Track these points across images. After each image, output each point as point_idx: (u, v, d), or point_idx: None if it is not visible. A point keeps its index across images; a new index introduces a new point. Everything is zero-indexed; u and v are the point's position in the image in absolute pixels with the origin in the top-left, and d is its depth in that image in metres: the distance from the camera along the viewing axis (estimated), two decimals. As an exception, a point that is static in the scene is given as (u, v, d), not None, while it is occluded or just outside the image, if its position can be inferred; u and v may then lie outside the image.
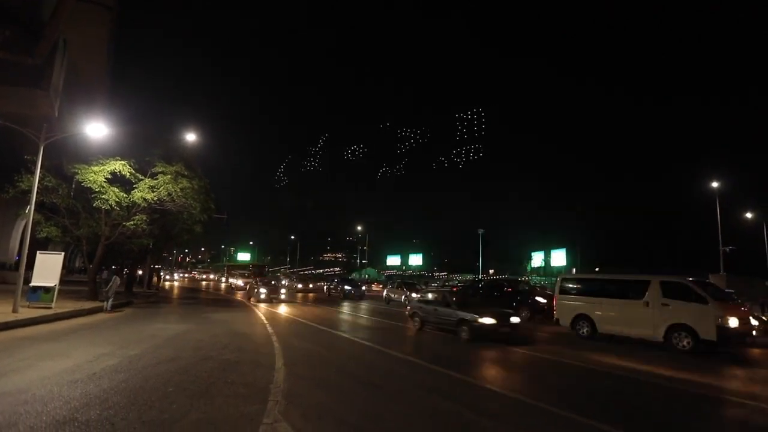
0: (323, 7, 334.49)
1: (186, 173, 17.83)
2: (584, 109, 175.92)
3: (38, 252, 14.20)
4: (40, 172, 13.31)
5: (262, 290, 23.33)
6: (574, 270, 48.85)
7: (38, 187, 13.43)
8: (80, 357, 7.26)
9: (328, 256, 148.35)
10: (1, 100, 16.89)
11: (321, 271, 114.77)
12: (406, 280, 36.36)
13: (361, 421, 4.76)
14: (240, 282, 39.42)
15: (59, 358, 7.11)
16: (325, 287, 36.73)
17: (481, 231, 52.84)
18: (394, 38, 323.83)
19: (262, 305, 20.98)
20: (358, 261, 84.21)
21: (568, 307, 13.10)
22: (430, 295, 13.89)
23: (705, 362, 9.28)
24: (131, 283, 25.18)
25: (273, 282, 28.20)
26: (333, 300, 28.07)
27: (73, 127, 16.13)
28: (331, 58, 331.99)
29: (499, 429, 4.73)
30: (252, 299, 23.48)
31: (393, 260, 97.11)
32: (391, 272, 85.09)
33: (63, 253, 15.44)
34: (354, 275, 62.84)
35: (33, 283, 13.35)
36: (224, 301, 24.85)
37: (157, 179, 16.99)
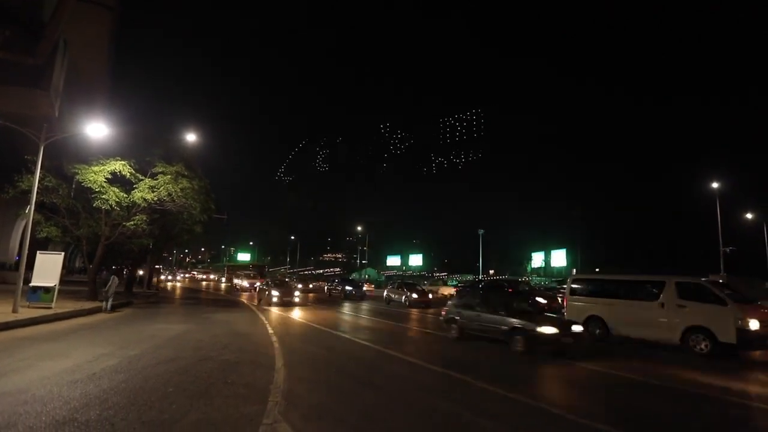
0: (323, 7, 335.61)
1: (186, 173, 17.84)
2: (584, 109, 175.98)
3: (38, 252, 14.20)
4: (40, 172, 13.32)
5: (275, 292, 21.34)
6: (574, 270, 48.79)
7: (38, 187, 13.45)
8: (80, 357, 7.26)
9: (328, 256, 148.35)
10: (1, 100, 16.89)
11: (321, 271, 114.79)
12: (406, 280, 36.36)
13: (362, 422, 4.75)
14: (245, 283, 37.79)
15: (59, 358, 7.10)
16: (326, 287, 36.72)
17: (481, 231, 52.87)
18: (394, 38, 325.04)
19: (263, 306, 20.75)
20: (358, 261, 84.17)
21: (579, 308, 12.81)
22: (471, 298, 12.26)
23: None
24: (131, 284, 25.19)
25: (286, 283, 25.83)
26: (334, 300, 28.07)
27: (73, 127, 16.12)
28: (331, 58, 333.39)
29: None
30: (262, 303, 21.91)
31: (393, 260, 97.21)
32: (391, 273, 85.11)
33: (63, 253, 15.46)
34: (354, 275, 62.82)
35: (33, 283, 13.35)
36: (224, 301, 24.84)
37: (157, 179, 17.00)
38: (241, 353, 8.28)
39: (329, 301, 27.48)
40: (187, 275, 77.82)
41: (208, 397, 5.24)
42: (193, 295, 29.91)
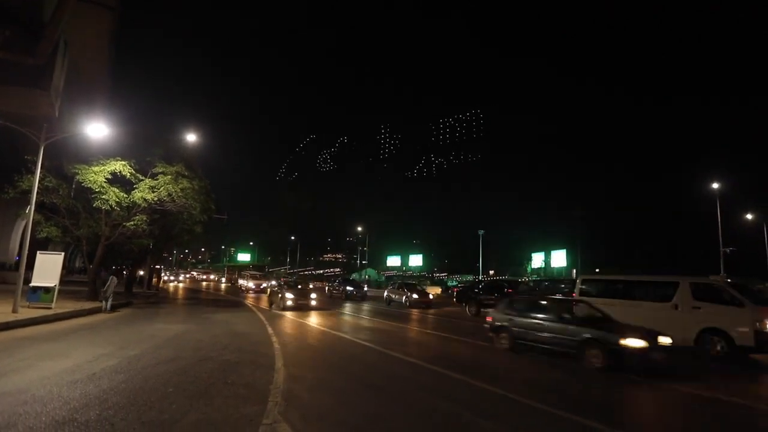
0: (323, 7, 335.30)
1: (186, 173, 17.85)
2: (584, 109, 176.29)
3: (38, 252, 14.20)
4: (41, 172, 13.32)
5: (289, 295, 18.68)
6: (574, 271, 48.80)
7: (38, 188, 13.45)
8: (80, 357, 7.26)
9: (328, 256, 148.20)
10: (1, 100, 16.87)
11: (321, 271, 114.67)
12: (406, 281, 36.36)
13: (362, 422, 4.74)
14: (251, 284, 35.30)
15: (59, 359, 7.10)
16: (326, 288, 36.71)
17: (481, 232, 52.89)
18: (394, 38, 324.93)
19: (275, 310, 18.80)
20: (358, 261, 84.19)
21: None
22: (526, 303, 10.47)
23: None
24: (131, 284, 25.19)
25: (301, 286, 22.23)
26: (335, 300, 28.07)
27: (73, 127, 16.13)
28: (331, 58, 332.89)
29: None
30: (274, 306, 19.52)
31: (393, 261, 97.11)
32: (392, 273, 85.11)
33: (63, 254, 15.46)
34: (354, 276, 62.82)
35: (33, 284, 13.35)
36: (225, 301, 24.84)
37: (157, 179, 17.00)
38: (241, 353, 8.27)
39: (330, 301, 27.47)
40: (187, 275, 77.78)
41: (208, 397, 5.23)
42: (193, 296, 29.90)
